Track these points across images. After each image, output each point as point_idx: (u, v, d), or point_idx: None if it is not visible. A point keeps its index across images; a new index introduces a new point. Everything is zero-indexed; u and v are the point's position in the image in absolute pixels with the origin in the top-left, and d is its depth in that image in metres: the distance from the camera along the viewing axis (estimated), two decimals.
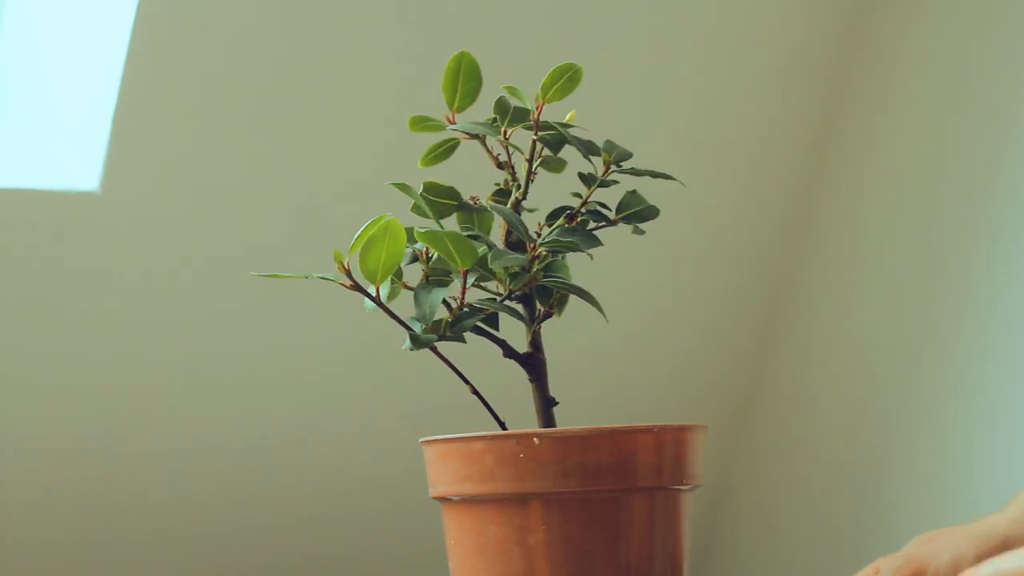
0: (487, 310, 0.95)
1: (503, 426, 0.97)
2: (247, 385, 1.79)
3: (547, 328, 1.79)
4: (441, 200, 0.98)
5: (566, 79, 0.96)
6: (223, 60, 1.66)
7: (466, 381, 0.96)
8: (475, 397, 0.98)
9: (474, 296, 0.95)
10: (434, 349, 0.94)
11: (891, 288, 1.94)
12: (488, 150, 0.99)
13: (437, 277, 0.96)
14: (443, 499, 0.95)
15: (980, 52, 1.89)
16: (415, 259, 0.97)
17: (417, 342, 0.93)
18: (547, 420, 0.97)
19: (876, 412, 1.93)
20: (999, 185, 1.84)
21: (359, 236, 0.93)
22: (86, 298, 1.68)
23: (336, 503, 1.88)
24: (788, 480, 1.99)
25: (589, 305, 1.00)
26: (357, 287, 0.95)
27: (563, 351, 1.91)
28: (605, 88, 1.77)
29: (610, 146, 0.97)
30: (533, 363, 0.97)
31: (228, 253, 1.73)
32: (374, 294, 0.94)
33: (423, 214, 0.97)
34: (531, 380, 0.97)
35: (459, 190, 0.98)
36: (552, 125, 0.96)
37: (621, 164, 0.96)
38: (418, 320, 0.94)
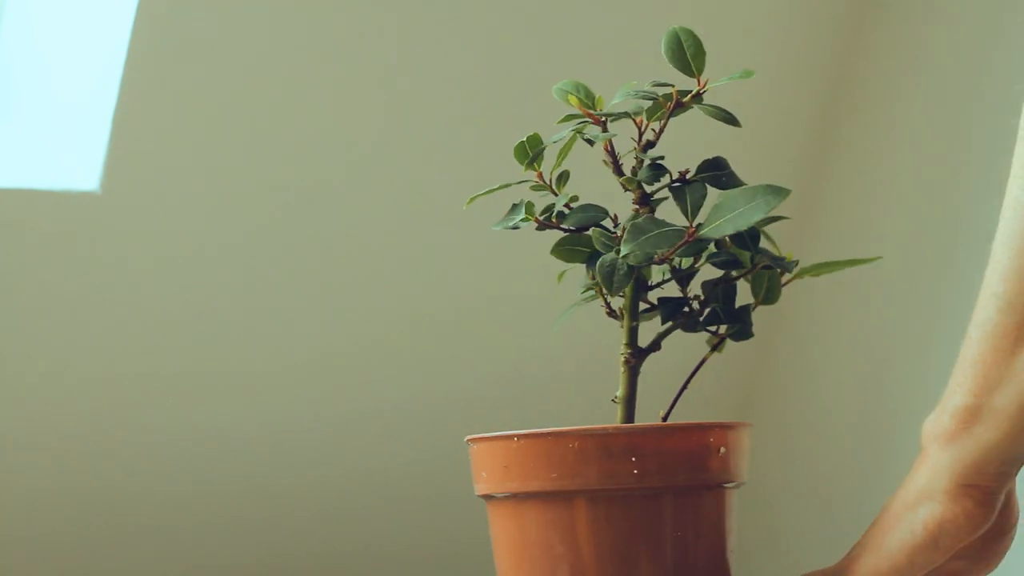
0: None
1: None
2: (249, 383, 1.79)
3: (545, 328, 1.77)
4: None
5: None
6: (224, 60, 1.66)
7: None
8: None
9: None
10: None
11: (896, 284, 1.94)
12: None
13: None
14: (488, 497, 0.95)
15: (990, 46, 1.90)
16: None
17: None
18: (629, 415, 0.98)
19: (881, 410, 1.93)
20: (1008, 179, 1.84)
21: None
22: (86, 298, 1.68)
23: (342, 497, 1.88)
24: (791, 479, 2.00)
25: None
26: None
27: (562, 351, 1.92)
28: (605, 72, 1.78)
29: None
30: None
31: (229, 253, 1.73)
32: None
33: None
34: (634, 375, 0.99)
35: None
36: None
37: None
38: None
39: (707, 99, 0.97)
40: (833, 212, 1.99)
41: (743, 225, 0.92)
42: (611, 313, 0.99)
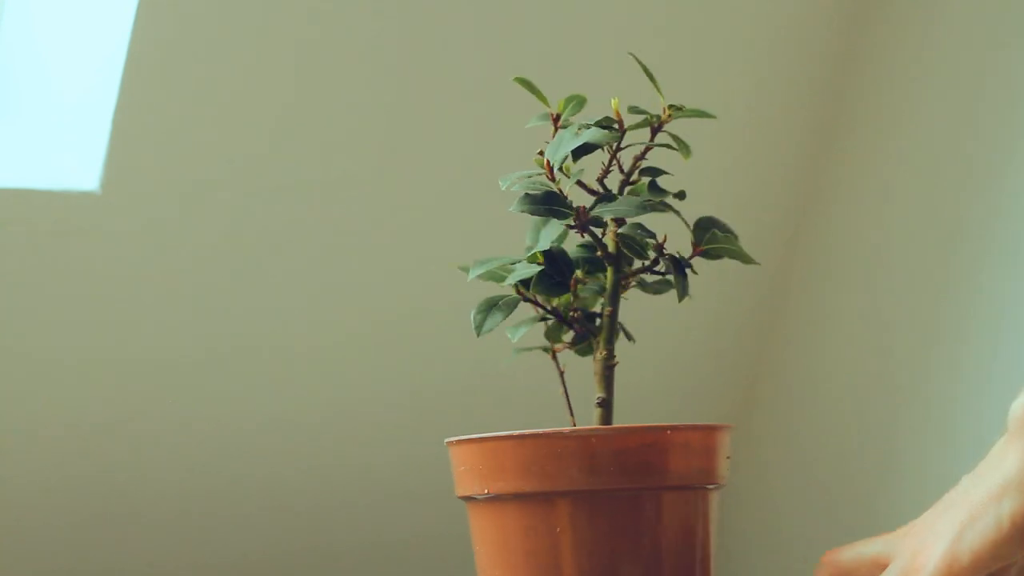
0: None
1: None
2: (249, 381, 1.79)
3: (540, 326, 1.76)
4: None
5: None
6: (225, 59, 1.66)
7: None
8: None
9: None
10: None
11: (899, 281, 1.94)
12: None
13: None
14: (468, 498, 0.95)
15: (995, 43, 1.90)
16: None
17: None
18: (607, 417, 0.98)
19: (883, 408, 1.93)
20: (1012, 172, 1.84)
21: None
22: (85, 298, 1.68)
23: (338, 492, 1.88)
24: (792, 478, 2.00)
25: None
26: None
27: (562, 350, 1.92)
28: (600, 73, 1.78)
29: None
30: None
31: (228, 253, 1.73)
32: None
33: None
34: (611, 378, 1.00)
35: None
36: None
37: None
38: None
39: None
40: (836, 202, 1.99)
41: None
42: (561, 320, 1.02)
